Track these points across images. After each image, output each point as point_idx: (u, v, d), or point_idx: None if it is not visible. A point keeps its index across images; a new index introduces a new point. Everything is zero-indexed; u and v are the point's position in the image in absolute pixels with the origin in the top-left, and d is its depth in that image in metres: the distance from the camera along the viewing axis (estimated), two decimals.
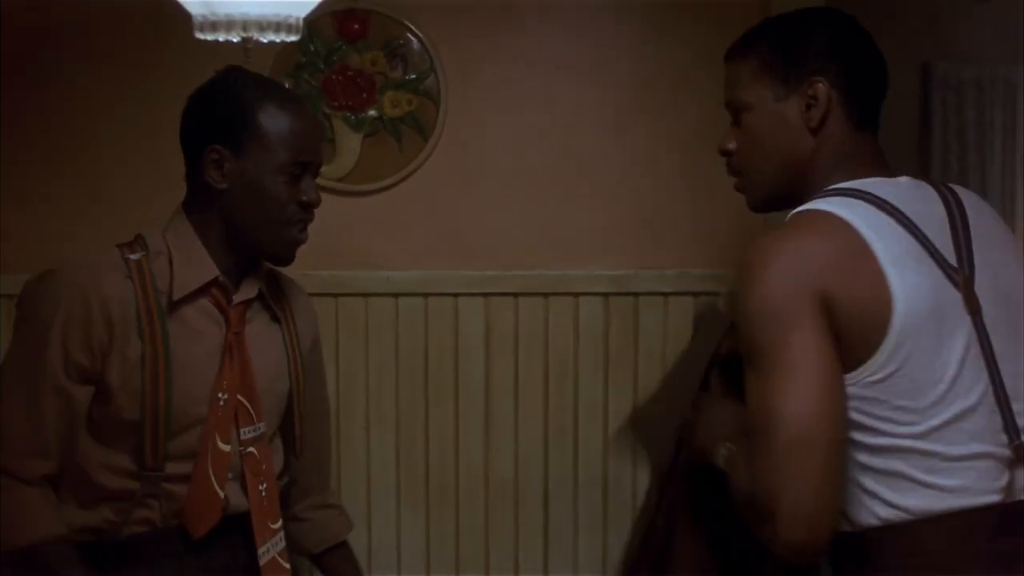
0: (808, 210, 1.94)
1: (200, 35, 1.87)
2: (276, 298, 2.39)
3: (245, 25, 1.81)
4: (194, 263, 2.22)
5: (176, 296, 2.18)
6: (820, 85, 1.99)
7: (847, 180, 1.99)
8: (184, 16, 2.00)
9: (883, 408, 1.85)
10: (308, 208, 2.25)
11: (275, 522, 2.32)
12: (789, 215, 1.96)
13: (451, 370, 2.99)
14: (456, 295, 2.98)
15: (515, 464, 3.01)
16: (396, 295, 2.94)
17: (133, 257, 2.20)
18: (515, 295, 2.98)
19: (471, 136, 2.97)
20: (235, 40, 1.85)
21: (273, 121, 2.19)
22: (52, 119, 2.93)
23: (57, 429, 2.16)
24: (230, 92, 2.21)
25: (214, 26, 1.83)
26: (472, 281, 2.98)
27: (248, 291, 2.29)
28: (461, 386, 2.99)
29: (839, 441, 1.81)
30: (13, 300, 2.87)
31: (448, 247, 2.98)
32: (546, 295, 2.98)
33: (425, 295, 2.97)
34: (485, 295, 2.98)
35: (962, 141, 5.86)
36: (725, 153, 2.11)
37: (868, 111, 2.06)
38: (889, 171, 2.03)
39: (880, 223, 1.90)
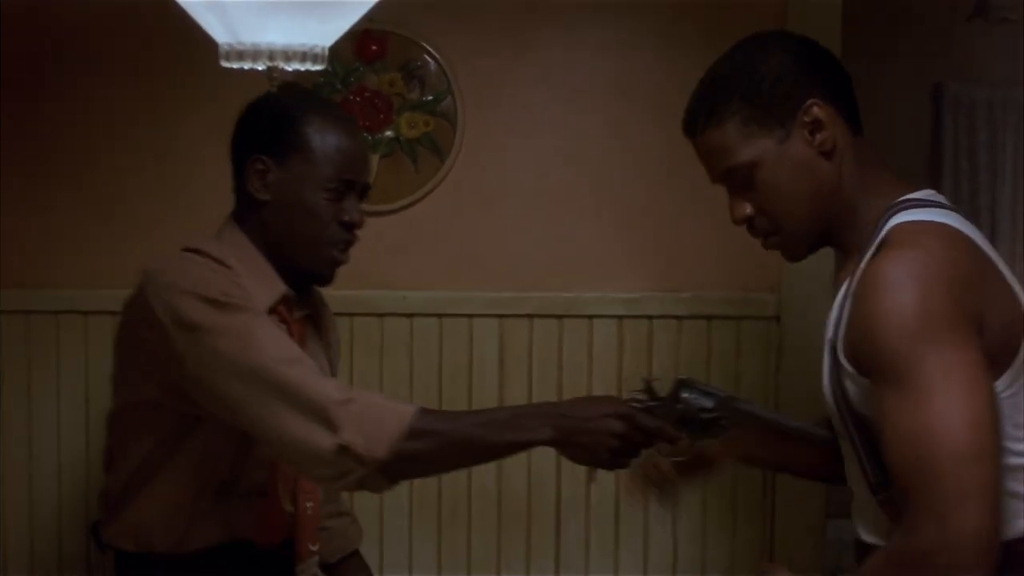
0: (917, 222, 1.85)
1: (226, 63, 1.87)
2: (317, 310, 2.38)
3: (271, 54, 1.82)
4: (263, 279, 2.18)
5: None
6: (816, 108, 1.90)
7: (885, 190, 1.93)
8: (207, 41, 2.01)
9: (1006, 425, 1.82)
10: (350, 228, 2.21)
11: (314, 544, 2.30)
12: (893, 227, 1.85)
13: (465, 391, 3.00)
14: (471, 316, 2.98)
15: (527, 485, 3.01)
16: (411, 315, 2.95)
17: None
18: (530, 317, 2.99)
19: (487, 157, 2.98)
20: (260, 68, 1.86)
21: (319, 136, 2.16)
22: (68, 135, 2.95)
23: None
24: (280, 104, 2.19)
25: (240, 55, 1.83)
26: (487, 302, 2.98)
27: (306, 305, 2.28)
28: (475, 406, 2.99)
29: (999, 455, 1.74)
30: (30, 315, 2.93)
31: (463, 268, 2.99)
32: (560, 317, 2.99)
33: (440, 316, 2.98)
34: (500, 316, 2.99)
35: (973, 162, 5.86)
36: (743, 221, 1.98)
37: (856, 113, 1.98)
38: None
39: (977, 234, 1.89)
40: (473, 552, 3.00)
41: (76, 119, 2.94)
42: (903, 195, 1.92)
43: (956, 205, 1.97)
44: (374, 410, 1.97)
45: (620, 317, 2.99)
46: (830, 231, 1.97)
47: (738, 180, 1.96)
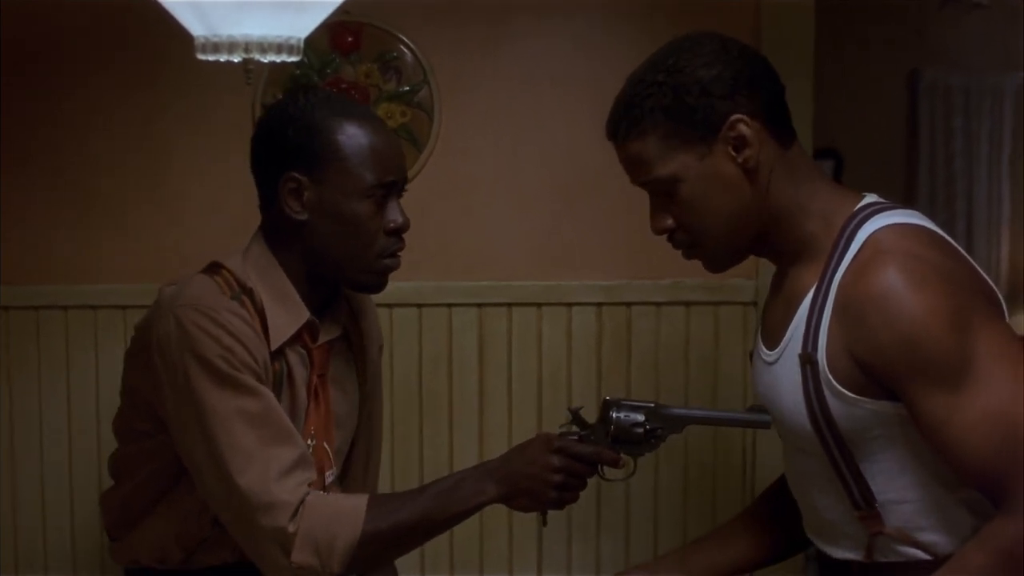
0: (895, 226, 1.85)
1: (202, 56, 1.87)
2: (351, 323, 2.30)
3: (247, 47, 1.81)
4: (285, 306, 2.10)
5: (273, 346, 2.08)
6: (741, 124, 1.86)
7: (832, 199, 1.92)
8: (183, 34, 2.01)
9: None
10: (398, 233, 2.13)
11: None
12: (872, 236, 1.84)
13: (445, 380, 3.01)
14: (450, 306, 2.99)
15: None
16: (390, 306, 2.95)
17: (235, 301, 2.07)
18: (509, 305, 3.00)
19: (464, 147, 2.99)
20: (236, 61, 1.86)
21: (352, 141, 2.05)
22: (47, 130, 2.94)
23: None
24: (301, 114, 2.07)
25: (216, 47, 1.83)
26: (466, 291, 2.99)
27: (331, 330, 2.20)
28: (455, 396, 3.01)
29: None
30: (9, 311, 2.93)
31: (442, 258, 2.99)
32: (539, 305, 3.00)
33: (419, 306, 2.98)
34: (479, 305, 2.99)
35: (949, 147, 5.91)
36: (663, 232, 1.97)
37: (788, 122, 1.94)
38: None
39: (940, 230, 1.91)
40: (455, 537, 3.00)
41: (53, 113, 2.93)
42: (855, 203, 1.91)
43: (933, 191, 1.99)
44: (325, 526, 2.00)
45: (599, 304, 3.00)
46: (756, 245, 1.95)
47: (659, 192, 1.93)
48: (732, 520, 2.26)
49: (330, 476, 2.23)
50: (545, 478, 2.03)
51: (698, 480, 3.03)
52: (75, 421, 2.96)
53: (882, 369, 1.79)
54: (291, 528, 1.99)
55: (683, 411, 2.08)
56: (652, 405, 2.06)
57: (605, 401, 2.08)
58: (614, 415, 2.05)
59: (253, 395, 2.03)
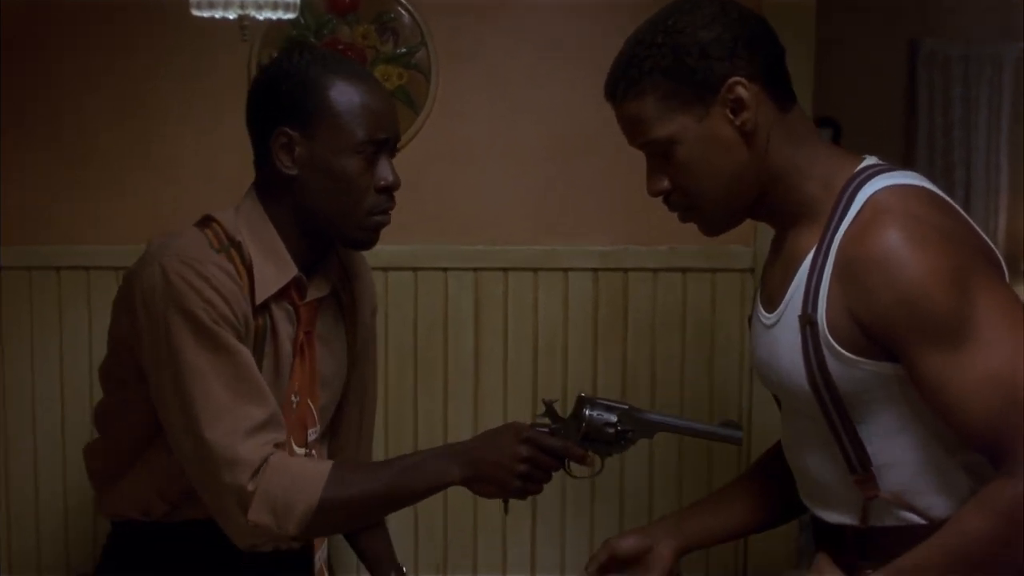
0: (895, 187, 1.84)
1: (197, 12, 1.86)
2: (343, 283, 2.31)
3: (242, 3, 1.80)
4: (273, 261, 2.10)
5: (258, 300, 2.09)
6: (739, 87, 1.85)
7: (831, 162, 1.91)
8: None
9: None
10: (388, 191, 2.13)
11: None
12: (872, 197, 1.83)
13: (440, 345, 3.00)
14: (446, 270, 2.98)
15: None
16: (385, 269, 2.94)
17: (222, 254, 2.07)
18: (505, 270, 2.98)
19: (461, 110, 2.97)
20: (232, 17, 1.84)
21: (344, 98, 2.06)
22: (42, 91, 2.92)
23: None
24: (296, 70, 2.07)
25: (211, 4, 1.82)
26: (462, 256, 2.98)
27: (320, 287, 2.20)
28: (450, 361, 3.00)
29: None
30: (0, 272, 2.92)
31: (438, 222, 2.98)
32: (536, 270, 2.99)
33: (415, 269, 2.97)
34: (475, 270, 2.98)
35: (948, 117, 5.90)
36: (659, 194, 1.96)
37: (787, 84, 1.92)
38: None
39: (941, 191, 1.90)
40: (449, 507, 3.00)
41: (48, 73, 2.91)
42: (855, 165, 1.90)
43: (931, 160, 1.97)
44: (284, 488, 2.01)
45: (595, 270, 2.99)
46: (754, 208, 1.94)
47: (656, 153, 1.92)
48: (728, 485, 2.26)
49: (313, 433, 2.23)
50: (511, 467, 2.03)
51: (693, 472, 3.03)
52: (67, 383, 2.95)
53: (882, 329, 1.78)
54: (250, 487, 2.00)
55: (656, 417, 2.09)
56: (626, 407, 2.07)
57: (580, 398, 2.08)
58: (587, 413, 2.06)
59: (230, 352, 2.04)
